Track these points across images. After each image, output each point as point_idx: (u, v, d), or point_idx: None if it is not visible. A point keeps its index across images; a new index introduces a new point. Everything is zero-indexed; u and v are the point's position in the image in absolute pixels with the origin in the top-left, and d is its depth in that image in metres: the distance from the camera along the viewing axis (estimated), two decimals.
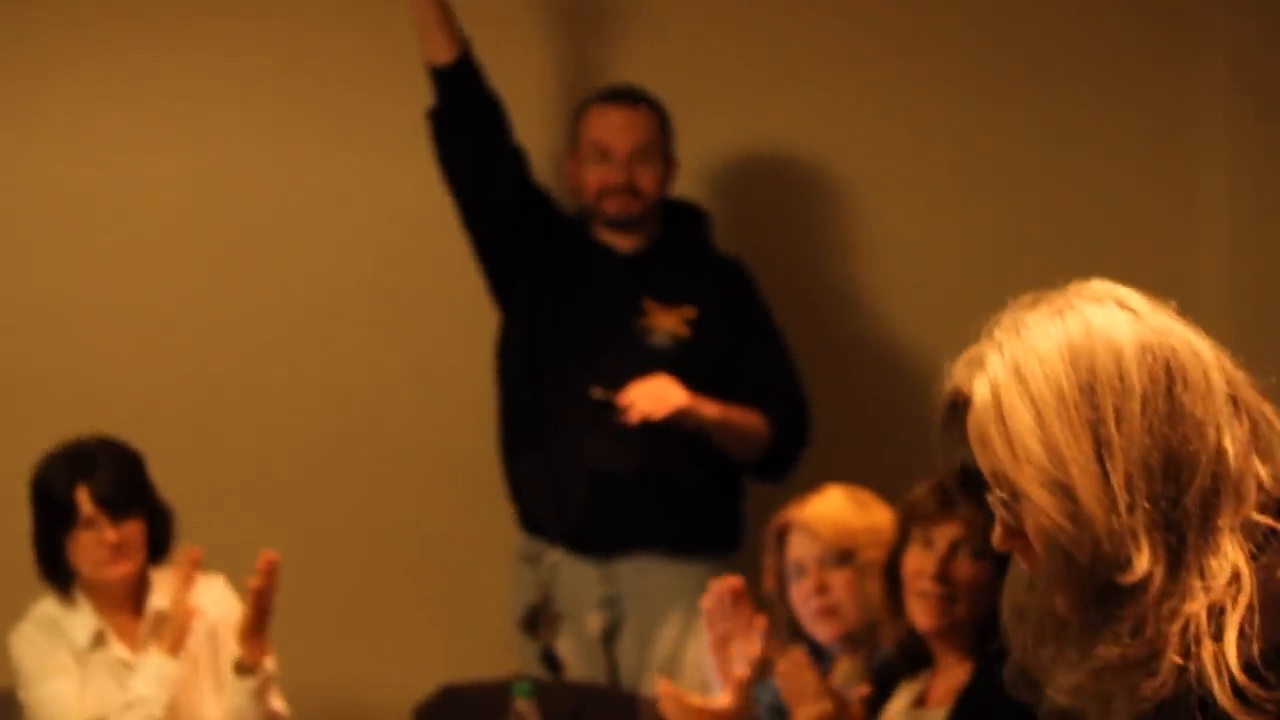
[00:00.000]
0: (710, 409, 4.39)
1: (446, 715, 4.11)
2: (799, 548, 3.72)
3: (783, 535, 3.76)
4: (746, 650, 3.49)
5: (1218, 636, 1.81)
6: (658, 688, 3.56)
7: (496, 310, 4.62)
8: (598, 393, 4.34)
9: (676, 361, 4.43)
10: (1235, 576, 1.83)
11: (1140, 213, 4.89)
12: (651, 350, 4.47)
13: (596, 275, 4.56)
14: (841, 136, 4.95)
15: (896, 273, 4.95)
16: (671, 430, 4.34)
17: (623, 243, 4.58)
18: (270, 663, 3.94)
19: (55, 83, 4.87)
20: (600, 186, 4.51)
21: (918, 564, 3.39)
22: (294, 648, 4.15)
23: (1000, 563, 3.23)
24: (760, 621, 3.53)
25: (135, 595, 4.03)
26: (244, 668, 3.90)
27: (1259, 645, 1.79)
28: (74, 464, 3.95)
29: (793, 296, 4.79)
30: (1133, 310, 1.91)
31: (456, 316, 4.83)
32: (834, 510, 3.71)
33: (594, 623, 4.49)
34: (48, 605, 4.01)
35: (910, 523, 3.43)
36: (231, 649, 3.95)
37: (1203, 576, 1.84)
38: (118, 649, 3.99)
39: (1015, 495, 1.89)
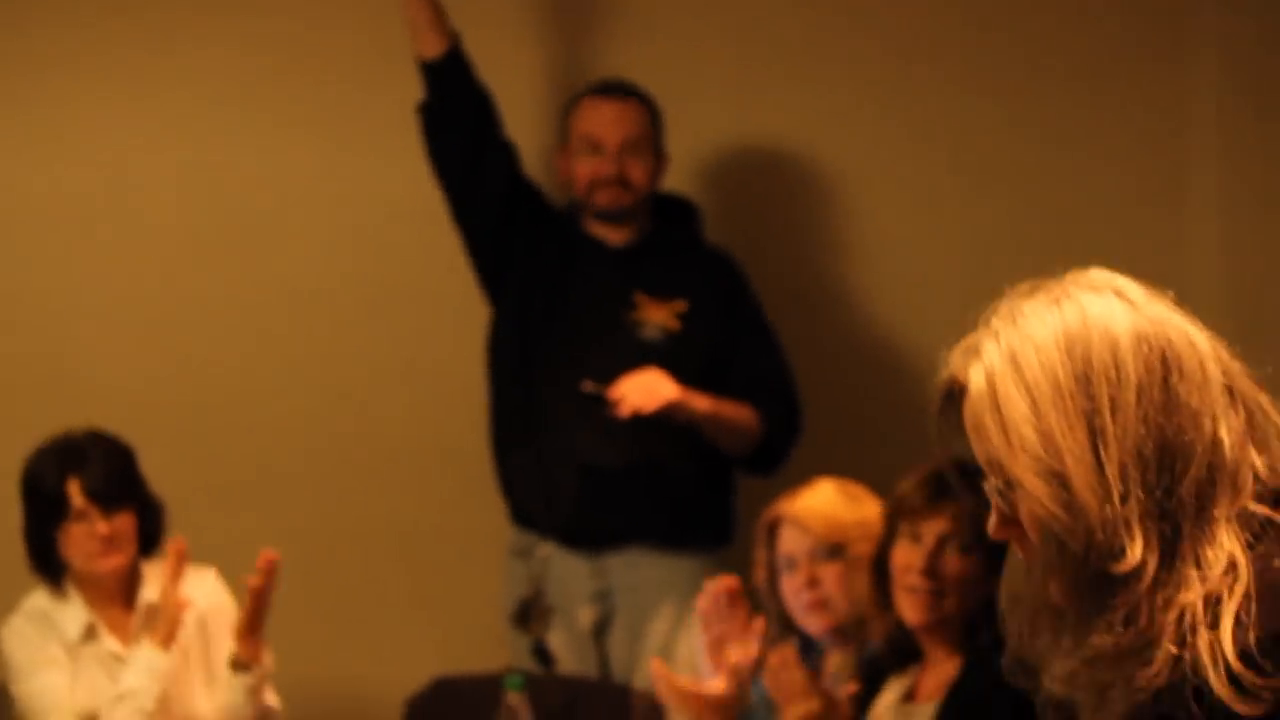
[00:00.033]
0: (701, 402, 4.39)
1: (438, 708, 4.11)
2: (790, 541, 3.72)
3: (773, 529, 3.76)
4: (743, 653, 3.49)
5: (1214, 625, 1.81)
6: (652, 669, 3.56)
7: (487, 304, 4.62)
8: (588, 386, 4.34)
9: (667, 355, 4.43)
10: (1232, 566, 1.83)
11: (1133, 211, 4.90)
12: (642, 344, 4.47)
13: (587, 269, 4.56)
14: (833, 131, 4.95)
15: (887, 267, 4.96)
16: (662, 424, 4.34)
17: (613, 236, 4.58)
18: (267, 659, 3.94)
19: (51, 80, 4.87)
20: (591, 179, 4.52)
21: (906, 559, 3.39)
22: (286, 641, 4.14)
23: (988, 556, 3.27)
24: (758, 624, 3.53)
25: (126, 588, 4.03)
26: (240, 664, 3.90)
27: (1255, 634, 1.79)
28: (65, 457, 3.95)
29: (783, 290, 4.79)
30: (1129, 300, 1.91)
31: (447, 311, 4.83)
32: (825, 504, 3.72)
33: (585, 616, 4.49)
34: (39, 598, 4.01)
35: (898, 517, 3.43)
36: (223, 642, 3.95)
37: (1199, 566, 1.84)
38: (109, 642, 3.99)
39: (1010, 484, 1.89)
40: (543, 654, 4.35)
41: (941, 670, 3.38)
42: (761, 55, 4.95)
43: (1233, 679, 1.79)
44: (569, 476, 4.45)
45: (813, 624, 3.71)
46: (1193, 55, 4.89)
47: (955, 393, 1.94)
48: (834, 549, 3.68)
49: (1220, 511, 1.86)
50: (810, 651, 3.73)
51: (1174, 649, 1.82)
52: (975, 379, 1.90)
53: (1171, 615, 1.83)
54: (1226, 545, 1.84)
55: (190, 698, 3.97)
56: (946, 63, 4.93)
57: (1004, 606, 1.98)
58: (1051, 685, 1.92)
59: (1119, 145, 4.92)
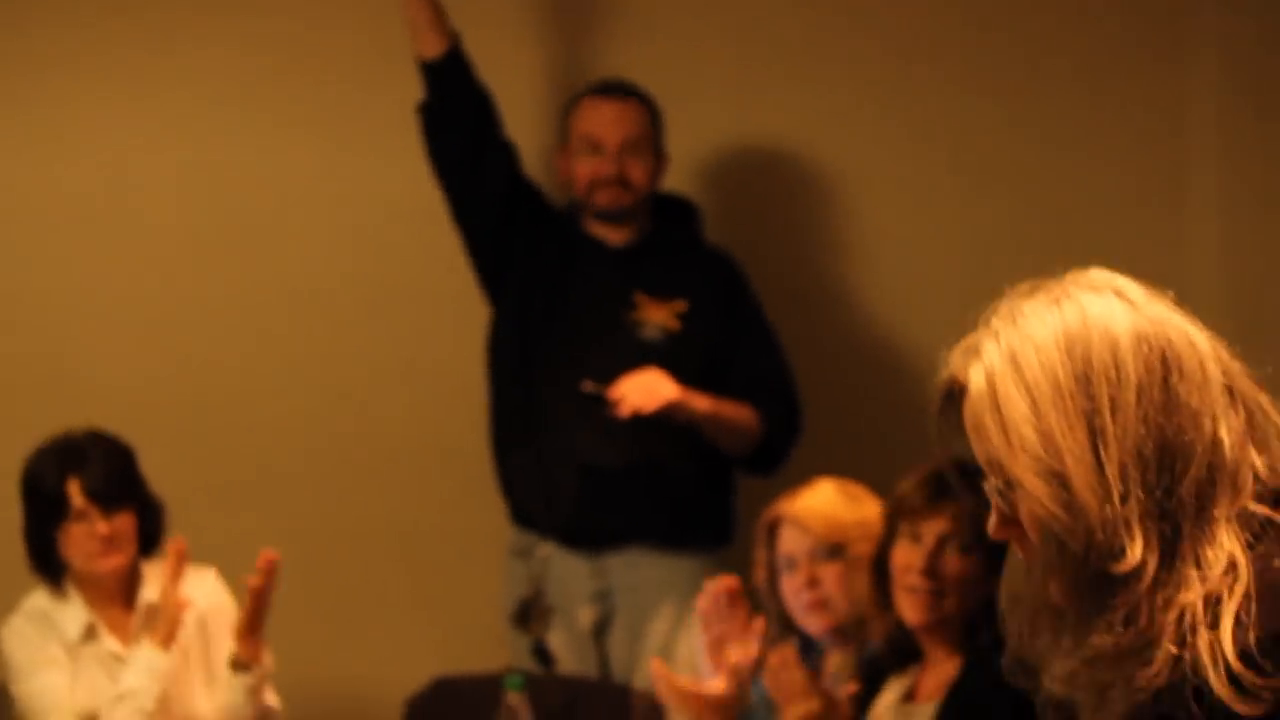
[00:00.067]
0: (701, 402, 4.39)
1: (438, 708, 4.11)
2: (790, 541, 3.72)
3: (773, 529, 3.76)
4: (743, 652, 3.49)
5: (1214, 625, 1.81)
6: (652, 668, 3.57)
7: (487, 304, 4.62)
8: (588, 386, 4.34)
9: (667, 355, 4.43)
10: (1232, 566, 1.83)
11: (1133, 211, 4.90)
12: (642, 344, 4.47)
13: (587, 269, 4.56)
14: (832, 131, 4.95)
15: (887, 267, 4.96)
16: (662, 424, 4.34)
17: (613, 236, 4.58)
18: (267, 659, 3.94)
19: (51, 80, 4.87)
20: (591, 178, 4.52)
21: (906, 559, 3.39)
22: (287, 641, 4.15)
23: (988, 557, 3.27)
24: (758, 625, 3.53)
25: (126, 588, 4.03)
26: (240, 664, 3.90)
27: (1255, 633, 1.79)
28: (65, 457, 3.95)
29: (783, 290, 4.79)
30: (1130, 300, 1.91)
31: (447, 310, 4.83)
32: (825, 504, 3.72)
33: (585, 616, 4.49)
34: (39, 598, 4.01)
35: (898, 517, 3.43)
36: (223, 642, 3.95)
37: (1199, 566, 1.84)
38: (109, 642, 3.99)
39: (1010, 483, 1.89)
40: (543, 654, 4.35)
41: (941, 670, 3.38)
42: (761, 55, 4.95)
43: (1233, 679, 1.79)
44: (569, 476, 4.45)
45: (813, 624, 3.71)
46: (1192, 55, 4.89)
47: (955, 392, 1.94)
48: (834, 549, 3.68)
49: (1220, 511, 1.86)
50: (810, 651, 3.73)
51: (1174, 649, 1.82)
52: (975, 379, 1.90)
53: (1171, 615, 1.83)
54: (1226, 545, 1.84)
55: (190, 698, 3.97)
56: (946, 62, 4.93)
57: (1004, 606, 1.98)
58: (1051, 685, 1.92)
59: (1119, 145, 4.92)
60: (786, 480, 4.04)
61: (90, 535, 3.93)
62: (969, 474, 1.98)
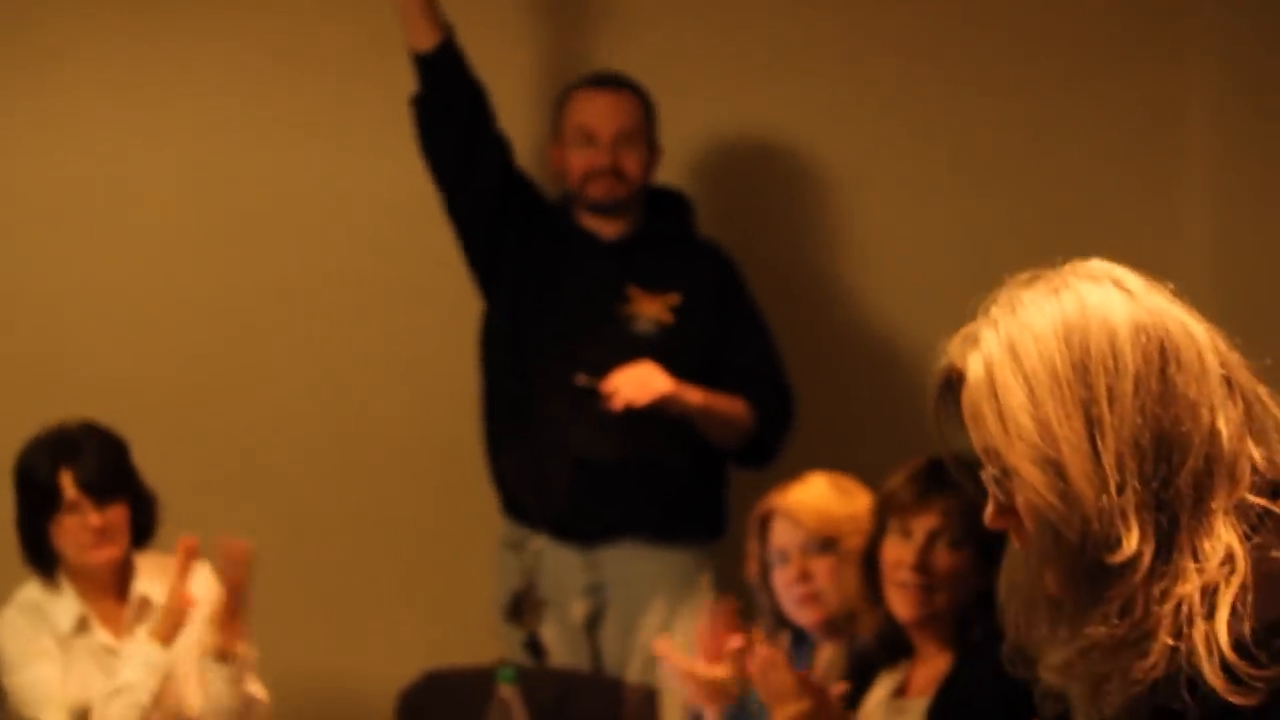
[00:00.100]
0: (694, 395, 4.39)
1: (431, 701, 4.12)
2: (782, 535, 3.72)
3: (765, 522, 3.76)
4: (741, 640, 3.51)
5: (1210, 616, 1.81)
6: (657, 648, 3.57)
7: (480, 297, 4.62)
8: (582, 379, 4.34)
9: (660, 348, 4.43)
10: (1229, 557, 1.83)
11: (1128, 206, 4.90)
12: (635, 337, 4.48)
13: (580, 262, 4.56)
14: (826, 125, 4.95)
15: (880, 260, 4.96)
16: (655, 417, 4.34)
17: (606, 229, 4.58)
18: (249, 650, 3.93)
19: (45, 73, 4.86)
20: (585, 170, 4.52)
21: (896, 554, 3.39)
22: (279, 634, 4.15)
23: (979, 552, 3.27)
24: (736, 641, 3.52)
25: (119, 581, 4.02)
26: (221, 655, 3.89)
27: (1251, 624, 1.79)
28: (58, 449, 3.94)
29: (776, 284, 4.79)
30: (1128, 290, 1.91)
31: (440, 303, 4.83)
32: (817, 498, 3.72)
33: (577, 609, 4.49)
34: (31, 590, 4.01)
35: (887, 513, 3.43)
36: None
37: (1196, 558, 1.84)
38: (101, 634, 3.99)
39: (1007, 472, 1.89)
40: (535, 647, 4.35)
41: (933, 665, 3.38)
42: (754, 49, 4.95)
43: (1227, 669, 1.79)
44: (562, 469, 4.45)
45: (805, 617, 3.71)
46: (1188, 51, 4.90)
47: (954, 381, 1.94)
48: (826, 543, 3.68)
49: (1218, 503, 1.86)
50: (802, 644, 3.73)
51: (1170, 641, 1.82)
52: (973, 367, 1.90)
53: (1168, 607, 1.83)
54: (1224, 537, 1.84)
55: (183, 692, 3.96)
56: (941, 56, 4.93)
57: (1003, 596, 1.98)
58: (1047, 675, 1.92)
59: (1114, 140, 4.92)
60: (779, 473, 4.04)
61: (83, 527, 3.92)
62: (965, 466, 1.98)
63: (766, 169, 4.98)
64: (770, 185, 4.99)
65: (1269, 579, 1.82)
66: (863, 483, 3.73)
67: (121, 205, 4.88)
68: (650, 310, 4.52)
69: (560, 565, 4.49)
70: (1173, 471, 1.85)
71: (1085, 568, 1.86)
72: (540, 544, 4.50)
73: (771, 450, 4.54)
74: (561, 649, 4.45)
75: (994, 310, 1.92)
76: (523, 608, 4.41)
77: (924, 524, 3.37)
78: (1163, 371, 1.87)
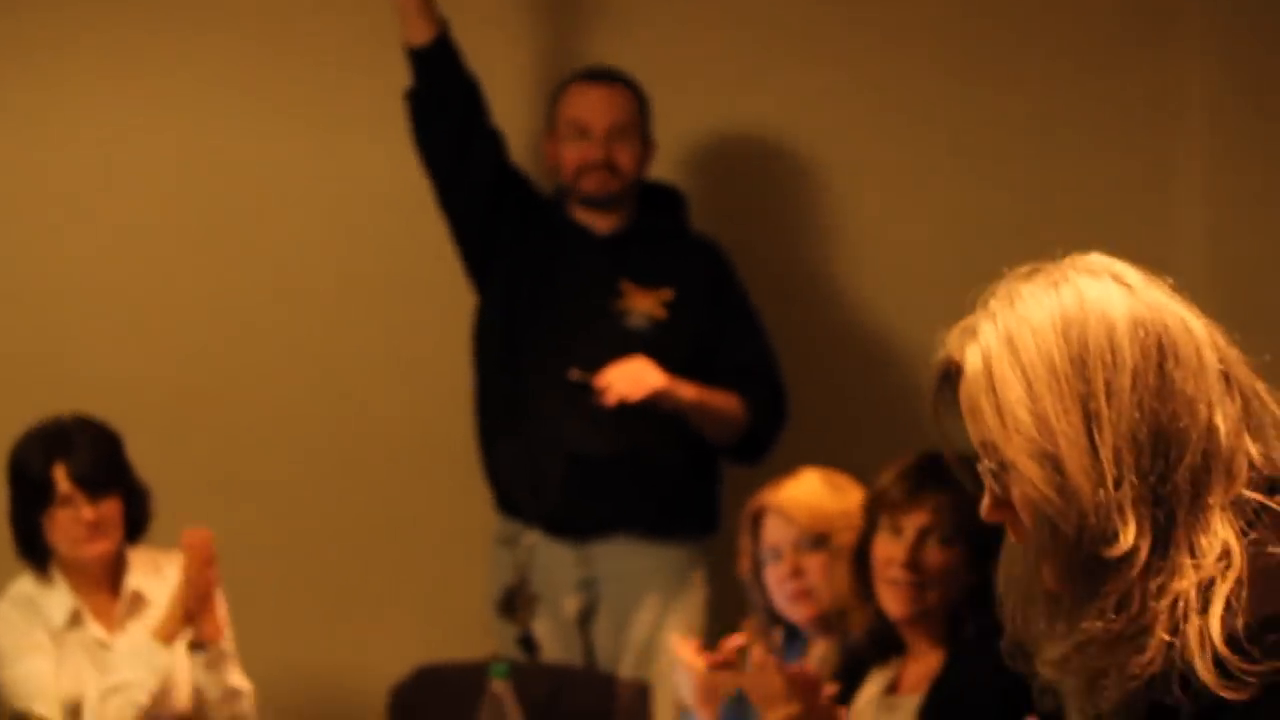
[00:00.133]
0: (687, 391, 4.39)
1: (423, 696, 4.11)
2: (774, 531, 3.72)
3: (758, 519, 3.77)
4: (742, 638, 3.51)
5: (1204, 611, 1.81)
6: (674, 646, 3.57)
7: (473, 292, 4.62)
8: (575, 375, 4.35)
9: (653, 343, 4.43)
10: (1225, 553, 1.83)
11: (1123, 201, 4.90)
12: (628, 332, 4.48)
13: (573, 257, 4.56)
14: (819, 119, 4.95)
15: (873, 255, 4.96)
16: (648, 412, 4.34)
17: (600, 224, 4.58)
18: (226, 640, 3.92)
19: (39, 64, 4.86)
20: (579, 164, 4.52)
21: (887, 552, 3.39)
22: (272, 628, 4.16)
23: (970, 548, 3.27)
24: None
25: (111, 575, 4.02)
26: (196, 644, 3.89)
27: (1245, 619, 1.79)
28: (51, 442, 3.94)
29: (769, 279, 4.79)
30: (1128, 285, 1.91)
31: (433, 298, 4.83)
32: (809, 494, 3.72)
33: (570, 605, 4.49)
34: (25, 584, 4.01)
35: (878, 510, 3.43)
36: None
37: (1193, 554, 1.84)
38: (94, 629, 3.98)
39: (1004, 465, 1.89)
40: (528, 642, 4.35)
41: (924, 662, 3.38)
42: (748, 44, 4.95)
43: (1219, 664, 1.79)
44: (555, 465, 4.44)
45: (797, 614, 3.71)
46: (1181, 43, 4.90)
47: (951, 373, 1.94)
48: (818, 539, 3.68)
49: (1215, 499, 1.86)
50: (795, 641, 3.74)
51: (1167, 637, 1.82)
52: (971, 360, 1.90)
53: (1165, 603, 1.83)
54: (1221, 533, 1.84)
55: (177, 688, 3.96)
56: (934, 50, 4.93)
57: (1000, 590, 1.98)
58: (1044, 670, 1.92)
59: (1110, 135, 4.92)
60: (772, 469, 4.04)
61: (76, 521, 3.92)
62: (961, 460, 1.98)
63: (760, 164, 4.98)
64: (764, 180, 4.99)
65: (1264, 574, 1.82)
66: (856, 478, 3.73)
67: (116, 199, 4.88)
68: (643, 305, 4.52)
69: (553, 561, 4.49)
70: (1170, 467, 1.85)
71: (1082, 562, 1.86)
72: (533, 539, 4.50)
73: (765, 446, 4.54)
74: (554, 644, 4.45)
75: (992, 303, 1.92)
76: (515, 603, 4.41)
77: (915, 521, 3.37)
78: (1160, 366, 1.87)
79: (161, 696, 3.89)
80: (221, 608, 3.95)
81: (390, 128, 4.58)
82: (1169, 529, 1.85)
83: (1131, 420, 1.85)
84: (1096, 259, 1.94)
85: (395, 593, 4.90)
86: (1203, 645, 1.80)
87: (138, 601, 4.00)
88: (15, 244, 4.87)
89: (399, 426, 4.90)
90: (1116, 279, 1.91)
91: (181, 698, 3.95)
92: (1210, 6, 4.89)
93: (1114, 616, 1.84)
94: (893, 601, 3.38)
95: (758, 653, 3.29)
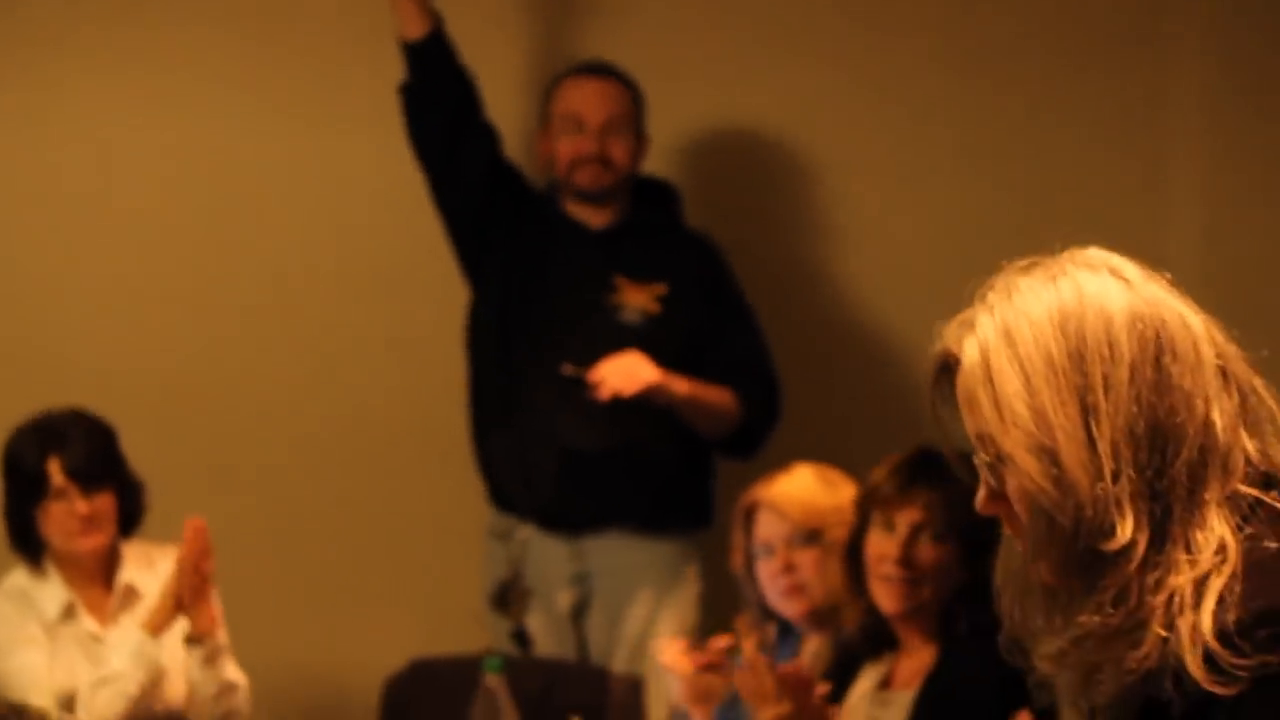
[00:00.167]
0: (681, 386, 4.39)
1: (417, 689, 4.12)
2: (766, 527, 3.72)
3: (750, 514, 3.77)
4: (729, 639, 3.52)
5: (1198, 607, 1.81)
6: (663, 652, 3.58)
7: (467, 287, 4.62)
8: (568, 369, 4.34)
9: (647, 338, 4.43)
10: (1221, 549, 1.84)
11: (1115, 193, 4.90)
12: (622, 327, 4.47)
13: (567, 251, 4.56)
14: (813, 114, 4.95)
15: (867, 251, 4.96)
16: (642, 407, 4.34)
17: (594, 218, 4.58)
18: (221, 632, 3.92)
19: (32, 59, 4.85)
20: (573, 157, 4.51)
21: (880, 548, 3.39)
22: (266, 623, 4.15)
23: (962, 544, 3.28)
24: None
25: (105, 568, 4.02)
26: (192, 638, 3.90)
27: (1237, 613, 1.80)
28: (45, 436, 3.94)
29: (763, 274, 4.79)
30: (1126, 279, 1.91)
31: (427, 292, 4.82)
32: (801, 490, 3.72)
33: (564, 599, 4.49)
34: (18, 577, 4.00)
35: (871, 506, 3.43)
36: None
37: (1188, 550, 1.84)
38: (87, 622, 3.98)
39: (1000, 458, 1.89)
40: (521, 637, 4.35)
41: (917, 658, 3.39)
42: (742, 39, 4.95)
43: (1209, 659, 1.79)
44: (549, 459, 4.44)
45: (790, 609, 3.72)
46: (1178, 41, 4.90)
47: (949, 366, 1.94)
48: (811, 535, 3.68)
49: (1211, 495, 1.86)
50: (788, 636, 3.74)
51: (1162, 632, 1.82)
52: (969, 352, 1.90)
53: (1161, 598, 1.83)
54: (1217, 529, 1.85)
55: (172, 682, 3.96)
56: (931, 47, 4.93)
57: (998, 585, 1.98)
58: (1042, 664, 1.92)
59: (1104, 130, 4.92)
60: (766, 464, 4.04)
61: (70, 514, 3.92)
62: (958, 452, 1.98)
63: (753, 160, 4.98)
64: (758, 176, 4.99)
65: (1258, 568, 1.83)
66: (849, 473, 3.73)
67: (111, 193, 4.87)
68: (637, 300, 4.52)
69: (546, 555, 4.49)
70: (1167, 462, 1.86)
71: (1079, 555, 1.86)
72: (526, 534, 4.50)
73: (758, 441, 4.54)
74: (547, 639, 4.45)
75: (990, 296, 1.92)
76: (509, 597, 4.41)
77: (907, 517, 3.37)
78: (1158, 361, 1.87)
79: (152, 688, 3.89)
80: (216, 601, 3.95)
81: (385, 122, 4.58)
82: (1165, 524, 1.86)
83: (1129, 414, 1.85)
84: (1095, 253, 1.94)
85: (389, 586, 4.90)
86: (1194, 641, 1.80)
87: (131, 595, 4.00)
88: (10, 238, 4.86)
89: (393, 420, 4.90)
90: (1115, 273, 1.91)
91: (176, 691, 3.95)
92: (1207, 5, 4.89)
93: (1111, 611, 1.84)
94: (886, 597, 3.38)
95: (750, 650, 3.29)
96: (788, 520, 3.69)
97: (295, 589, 4.82)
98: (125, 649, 3.88)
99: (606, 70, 4.60)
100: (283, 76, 4.89)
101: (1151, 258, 1.97)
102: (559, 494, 4.45)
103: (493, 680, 3.53)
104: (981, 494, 1.94)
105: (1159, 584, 1.84)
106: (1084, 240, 1.99)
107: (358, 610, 4.89)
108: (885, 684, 3.43)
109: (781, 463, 3.83)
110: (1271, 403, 1.93)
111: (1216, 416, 1.88)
